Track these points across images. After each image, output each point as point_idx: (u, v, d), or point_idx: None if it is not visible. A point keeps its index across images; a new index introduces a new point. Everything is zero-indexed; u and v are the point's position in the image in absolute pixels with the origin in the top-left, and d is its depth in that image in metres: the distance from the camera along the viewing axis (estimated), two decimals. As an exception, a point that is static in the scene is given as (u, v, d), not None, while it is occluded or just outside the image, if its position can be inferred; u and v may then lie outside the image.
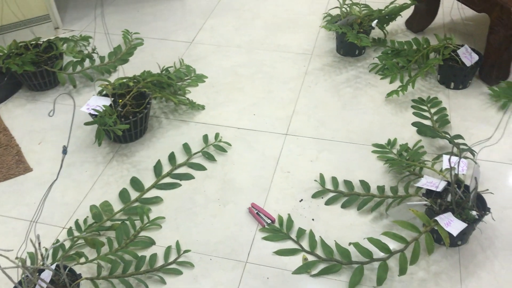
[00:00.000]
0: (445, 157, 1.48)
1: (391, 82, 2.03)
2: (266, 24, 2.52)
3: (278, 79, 2.13)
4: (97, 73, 2.16)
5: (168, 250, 1.44)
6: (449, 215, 1.33)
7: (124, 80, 1.87)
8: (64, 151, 1.02)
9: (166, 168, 1.72)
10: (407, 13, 2.37)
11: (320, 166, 1.70)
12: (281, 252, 1.43)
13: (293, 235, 1.48)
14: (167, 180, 1.68)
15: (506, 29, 1.85)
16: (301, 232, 1.48)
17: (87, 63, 2.17)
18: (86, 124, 1.72)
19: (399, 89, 1.94)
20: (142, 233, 1.50)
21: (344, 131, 1.84)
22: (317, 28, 2.45)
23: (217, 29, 2.49)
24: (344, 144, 1.79)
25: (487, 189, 1.44)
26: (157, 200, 1.60)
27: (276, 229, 1.49)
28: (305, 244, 1.45)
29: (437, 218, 1.32)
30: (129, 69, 2.16)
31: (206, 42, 2.39)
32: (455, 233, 1.29)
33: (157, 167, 1.71)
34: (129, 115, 1.76)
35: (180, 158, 1.76)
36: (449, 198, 1.39)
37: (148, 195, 1.63)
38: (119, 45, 2.30)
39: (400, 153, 1.69)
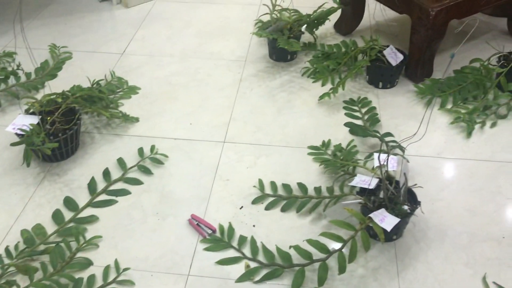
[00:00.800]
0: (376, 155, 1.53)
1: (322, 85, 2.08)
2: (199, 32, 2.51)
3: (213, 86, 2.13)
4: (24, 91, 2.06)
5: (106, 269, 1.39)
6: (382, 211, 1.38)
7: (52, 97, 1.80)
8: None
9: (101, 185, 1.67)
10: (335, 17, 2.44)
11: (259, 172, 1.71)
12: (223, 262, 1.42)
13: (235, 243, 1.47)
14: (103, 197, 1.63)
15: (426, 28, 1.95)
16: (242, 239, 1.48)
17: (12, 80, 2.07)
18: (13, 144, 1.64)
19: (330, 91, 1.99)
20: (79, 254, 1.44)
21: (280, 135, 1.87)
22: (250, 34, 2.47)
23: (149, 39, 2.45)
24: (281, 148, 1.81)
25: (416, 184, 1.50)
26: (92, 219, 1.55)
27: (218, 239, 1.49)
28: (247, 251, 1.45)
29: (371, 215, 1.36)
30: (58, 85, 2.08)
31: (138, 53, 2.35)
32: (389, 228, 1.33)
33: (91, 185, 1.66)
34: (59, 133, 1.69)
35: (115, 173, 1.71)
36: (381, 195, 1.44)
37: (83, 214, 1.57)
38: (46, 60, 2.22)
39: (335, 154, 1.73)
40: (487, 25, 2.51)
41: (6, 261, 1.42)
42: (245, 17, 2.62)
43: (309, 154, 1.77)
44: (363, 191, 1.49)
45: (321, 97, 1.99)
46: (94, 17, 2.65)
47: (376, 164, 1.49)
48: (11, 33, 2.49)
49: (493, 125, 1.89)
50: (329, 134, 1.86)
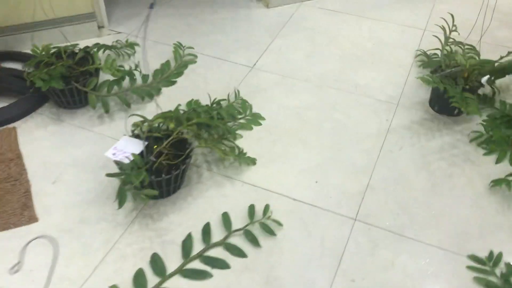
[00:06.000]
0: None
1: (497, 162, 1.58)
2: (344, 53, 2.08)
3: (352, 133, 1.71)
4: (137, 97, 1.81)
5: None
6: None
7: (161, 122, 1.51)
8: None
9: (198, 245, 1.36)
10: (525, 66, 1.87)
11: (398, 278, 1.29)
12: None
13: None
14: (196, 264, 1.32)
15: None
16: None
17: (126, 81, 1.83)
18: (108, 176, 1.38)
19: (510, 178, 1.48)
20: None
21: (432, 227, 1.41)
22: (407, 67, 2.00)
23: (285, 53, 2.08)
24: (430, 249, 1.36)
25: None
26: (178, 296, 1.25)
27: None
28: None
29: None
30: (175, 94, 1.82)
31: (269, 69, 1.99)
32: None
33: (186, 244, 1.36)
34: (163, 169, 1.40)
35: (217, 232, 1.39)
36: None
37: (169, 284, 1.27)
38: (168, 60, 1.95)
39: (506, 278, 1.25)
40: None
41: (71, 331, 1.17)
42: (404, 43, 2.14)
43: (468, 268, 1.31)
44: None
45: (496, 183, 1.49)
46: (228, 14, 2.32)
47: None
48: (138, 17, 2.26)
49: None
50: (500, 240, 1.37)
